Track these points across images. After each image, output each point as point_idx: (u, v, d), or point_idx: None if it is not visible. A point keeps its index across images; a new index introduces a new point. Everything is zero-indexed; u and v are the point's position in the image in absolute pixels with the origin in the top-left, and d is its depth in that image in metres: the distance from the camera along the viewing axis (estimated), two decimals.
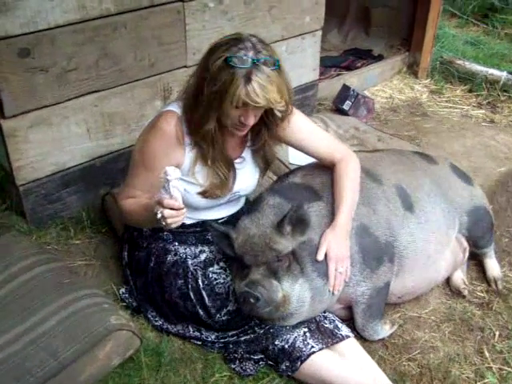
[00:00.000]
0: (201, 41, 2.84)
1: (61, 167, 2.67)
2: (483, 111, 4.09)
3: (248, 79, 1.86)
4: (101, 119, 2.68)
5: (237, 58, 1.86)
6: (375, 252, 2.20)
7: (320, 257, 2.08)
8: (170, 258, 2.26)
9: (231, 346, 2.17)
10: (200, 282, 2.20)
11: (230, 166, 2.17)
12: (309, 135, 2.27)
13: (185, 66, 2.86)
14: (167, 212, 1.79)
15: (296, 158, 3.00)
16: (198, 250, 2.28)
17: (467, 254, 2.57)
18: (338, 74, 4.28)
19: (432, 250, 2.37)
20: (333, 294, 2.13)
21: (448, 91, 4.29)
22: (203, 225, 2.28)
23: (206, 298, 2.18)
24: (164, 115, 2.09)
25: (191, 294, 2.19)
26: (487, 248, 2.63)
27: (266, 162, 2.32)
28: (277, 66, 1.92)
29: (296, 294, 2.03)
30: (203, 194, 2.15)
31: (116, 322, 2.03)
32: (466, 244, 2.54)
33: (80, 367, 1.94)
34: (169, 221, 1.81)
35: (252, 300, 1.95)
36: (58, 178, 2.67)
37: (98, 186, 2.81)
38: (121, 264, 2.46)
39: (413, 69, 4.40)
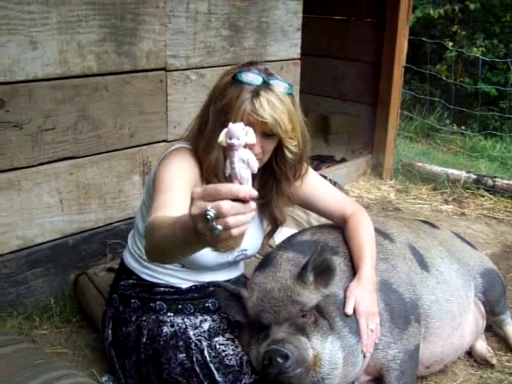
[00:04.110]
0: (182, 114, 2.69)
1: (28, 243, 2.31)
2: (451, 206, 4.09)
3: (256, 94, 1.70)
4: (75, 190, 2.39)
5: (247, 74, 1.72)
6: (402, 310, 1.98)
7: (349, 310, 1.81)
8: (166, 329, 1.91)
9: None
10: (206, 354, 1.84)
11: None
12: (320, 189, 2.10)
13: (165, 141, 2.68)
14: (227, 206, 0.98)
15: None
16: (198, 320, 1.94)
17: (485, 322, 2.38)
18: None
19: (456, 312, 2.18)
20: (364, 356, 1.82)
21: (414, 190, 4.32)
22: (201, 290, 1.97)
23: (216, 373, 1.81)
24: (175, 150, 1.85)
25: (197, 369, 1.82)
26: (504, 314, 2.46)
27: (274, 223, 2.07)
28: (290, 91, 1.77)
29: (328, 353, 1.73)
30: None
31: None
32: (483, 310, 2.37)
33: None
34: (231, 221, 0.98)
35: (280, 359, 1.62)
36: (23, 256, 2.30)
37: (67, 269, 2.44)
38: (102, 347, 2.04)
39: (377, 170, 4.43)
